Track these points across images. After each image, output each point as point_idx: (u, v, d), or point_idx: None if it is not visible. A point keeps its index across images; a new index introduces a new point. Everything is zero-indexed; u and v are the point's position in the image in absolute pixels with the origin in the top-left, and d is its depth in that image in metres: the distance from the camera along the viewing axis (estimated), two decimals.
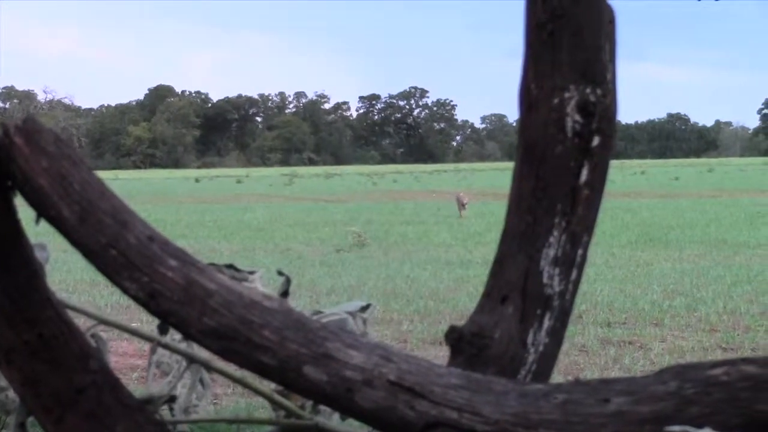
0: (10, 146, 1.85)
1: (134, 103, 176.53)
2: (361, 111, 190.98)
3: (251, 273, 2.14)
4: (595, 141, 2.12)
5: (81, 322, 2.12)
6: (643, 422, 1.72)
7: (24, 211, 1.93)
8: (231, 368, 1.94)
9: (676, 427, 1.69)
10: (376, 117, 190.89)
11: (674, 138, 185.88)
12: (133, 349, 8.52)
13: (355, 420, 1.86)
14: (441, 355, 6.85)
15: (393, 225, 25.28)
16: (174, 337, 2.16)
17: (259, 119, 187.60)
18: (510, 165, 2.24)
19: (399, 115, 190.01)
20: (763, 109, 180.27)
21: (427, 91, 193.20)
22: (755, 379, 1.73)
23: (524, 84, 2.16)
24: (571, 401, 1.75)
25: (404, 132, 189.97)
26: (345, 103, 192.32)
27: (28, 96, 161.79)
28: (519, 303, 2.12)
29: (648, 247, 18.15)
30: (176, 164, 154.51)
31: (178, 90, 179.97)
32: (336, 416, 2.09)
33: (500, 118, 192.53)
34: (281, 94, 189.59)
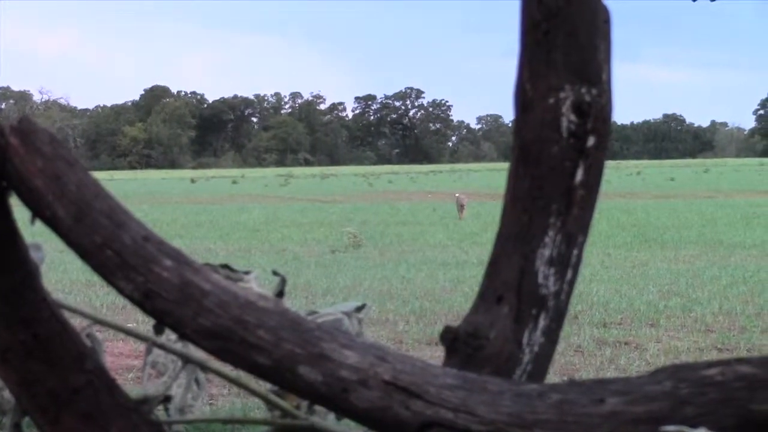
0: (5, 146, 1.85)
1: (130, 103, 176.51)
2: (357, 111, 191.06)
3: (246, 273, 2.14)
4: (591, 141, 2.12)
5: (77, 322, 2.12)
6: (638, 422, 1.72)
7: (19, 212, 1.93)
8: (226, 368, 1.94)
9: (671, 427, 1.69)
10: (371, 117, 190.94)
11: (670, 138, 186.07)
12: (128, 350, 8.53)
13: (351, 420, 1.86)
14: (436, 355, 6.86)
15: (389, 225, 25.30)
16: (169, 337, 2.16)
17: (254, 120, 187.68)
18: (505, 165, 2.25)
19: (395, 116, 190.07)
20: (758, 109, 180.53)
21: (422, 92, 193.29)
22: (750, 379, 1.73)
23: (519, 84, 2.16)
24: (567, 401, 1.75)
25: (400, 132, 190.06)
26: (341, 103, 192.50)
27: (24, 96, 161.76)
28: (514, 303, 2.12)
29: (644, 248, 18.18)
30: (172, 165, 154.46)
31: (174, 90, 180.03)
32: (331, 416, 2.09)
33: (496, 118, 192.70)
34: (277, 94, 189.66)
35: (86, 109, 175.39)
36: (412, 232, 22.67)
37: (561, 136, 2.11)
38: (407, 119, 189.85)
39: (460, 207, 27.98)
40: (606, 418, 1.73)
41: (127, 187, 58.64)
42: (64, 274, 13.57)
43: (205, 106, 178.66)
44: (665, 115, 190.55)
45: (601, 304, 11.07)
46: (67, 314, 2.07)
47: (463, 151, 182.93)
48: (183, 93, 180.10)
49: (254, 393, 2.07)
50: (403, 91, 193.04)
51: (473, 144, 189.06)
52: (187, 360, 2.17)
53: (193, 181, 74.03)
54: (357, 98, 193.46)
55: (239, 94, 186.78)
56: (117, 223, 1.84)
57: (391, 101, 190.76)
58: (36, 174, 1.83)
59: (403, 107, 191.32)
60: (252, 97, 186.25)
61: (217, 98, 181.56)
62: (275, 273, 2.22)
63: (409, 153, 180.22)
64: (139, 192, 51.32)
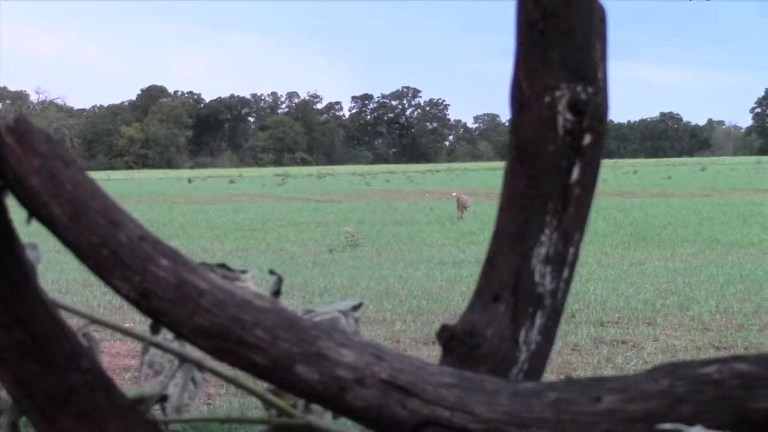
0: (1, 146, 1.85)
1: (126, 103, 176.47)
2: (354, 111, 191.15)
3: (243, 273, 2.14)
4: (587, 139, 2.12)
5: (74, 322, 2.12)
6: (635, 420, 1.72)
7: (15, 211, 1.93)
8: (223, 367, 1.94)
9: (668, 425, 1.69)
10: (368, 117, 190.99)
11: (667, 137, 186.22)
12: (125, 350, 8.52)
13: (348, 419, 1.86)
14: (434, 354, 6.85)
15: (386, 225, 25.29)
16: (166, 336, 2.16)
17: (251, 119, 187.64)
18: (503, 165, 2.25)
19: (391, 115, 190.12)
20: (755, 108, 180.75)
21: (419, 91, 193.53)
22: (747, 376, 1.73)
23: (515, 83, 2.16)
24: (563, 400, 1.75)
25: (397, 132, 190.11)
26: (337, 103, 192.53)
27: (21, 97, 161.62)
28: (511, 301, 2.13)
29: (640, 247, 18.17)
30: (169, 164, 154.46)
31: (171, 90, 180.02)
32: (328, 415, 2.09)
33: (493, 117, 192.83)
34: (274, 94, 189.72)
35: (83, 109, 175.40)
36: (409, 232, 22.66)
37: (557, 135, 2.11)
38: (404, 118, 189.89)
39: (462, 207, 27.78)
40: (603, 416, 1.73)
41: (124, 187, 58.63)
42: (60, 274, 13.56)
43: (202, 105, 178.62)
44: (662, 114, 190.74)
45: (598, 303, 11.07)
46: (64, 314, 2.07)
47: (460, 151, 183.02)
48: (180, 93, 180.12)
49: (251, 392, 2.07)
50: (400, 90, 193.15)
51: (470, 143, 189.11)
52: (183, 359, 2.17)
53: (190, 180, 73.98)
54: (354, 98, 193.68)
55: (236, 94, 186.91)
56: (113, 222, 1.84)
57: (387, 100, 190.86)
58: (32, 173, 1.83)
59: (399, 106, 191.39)
60: (249, 97, 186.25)
61: (214, 98, 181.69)
62: (272, 272, 2.21)
63: (406, 152, 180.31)
64: (136, 192, 51.30)
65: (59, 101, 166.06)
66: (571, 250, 2.15)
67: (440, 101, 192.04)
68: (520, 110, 2.16)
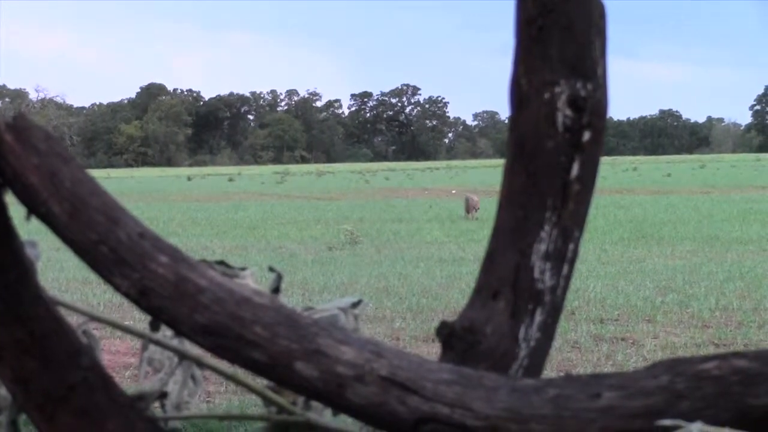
0: (0, 144, 1.84)
1: (126, 101, 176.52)
2: (353, 109, 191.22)
3: (242, 270, 2.14)
4: (586, 136, 2.12)
5: (73, 319, 2.12)
6: (635, 416, 1.72)
7: (15, 209, 1.93)
8: (223, 365, 1.94)
9: (668, 421, 1.69)
10: (368, 114, 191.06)
11: (666, 134, 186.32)
12: (125, 348, 8.53)
13: (347, 416, 1.86)
14: (433, 352, 6.86)
15: (385, 222, 25.31)
16: (165, 333, 2.16)
17: (251, 117, 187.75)
18: (502, 162, 2.25)
19: (391, 113, 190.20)
20: (755, 105, 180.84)
21: (419, 89, 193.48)
22: (747, 373, 1.73)
23: (514, 80, 2.16)
24: (563, 396, 1.75)
25: (396, 129, 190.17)
26: (337, 100, 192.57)
27: (20, 95, 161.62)
28: (510, 298, 2.12)
29: (640, 244, 18.19)
30: (168, 162, 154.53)
31: (170, 88, 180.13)
32: (328, 412, 2.09)
33: (492, 115, 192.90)
34: (273, 92, 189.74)
35: (82, 107, 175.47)
36: (408, 229, 22.67)
37: (556, 131, 2.11)
38: (403, 116, 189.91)
39: (472, 208, 27.51)
40: (602, 412, 1.73)
41: (124, 185, 58.64)
42: (60, 272, 13.57)
43: (202, 103, 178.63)
44: (661, 111, 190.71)
45: (598, 300, 11.08)
46: (63, 312, 2.06)
47: (460, 148, 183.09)
48: (179, 91, 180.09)
49: (250, 389, 2.07)
50: (400, 88, 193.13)
51: (469, 141, 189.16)
52: (183, 356, 2.17)
53: (189, 178, 74.03)
54: (353, 95, 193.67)
55: (235, 92, 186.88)
56: (112, 219, 1.84)
57: (387, 98, 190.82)
58: (31, 170, 1.83)
59: (399, 104, 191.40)
60: (248, 95, 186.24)
61: (214, 96, 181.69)
62: (271, 269, 2.21)
63: (406, 150, 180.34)
64: (136, 190, 51.33)
65: (59, 99, 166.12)
66: (571, 246, 2.15)
67: (439, 99, 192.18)
68: (519, 107, 2.15)
